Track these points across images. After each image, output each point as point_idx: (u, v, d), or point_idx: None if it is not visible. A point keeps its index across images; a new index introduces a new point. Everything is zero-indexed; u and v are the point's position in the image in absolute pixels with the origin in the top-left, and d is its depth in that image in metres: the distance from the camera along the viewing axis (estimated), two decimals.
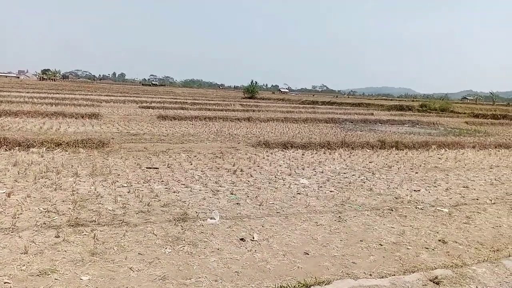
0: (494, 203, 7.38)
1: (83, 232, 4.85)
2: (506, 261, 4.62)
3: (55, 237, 4.65)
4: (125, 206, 5.88)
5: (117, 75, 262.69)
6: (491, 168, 11.18)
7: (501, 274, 4.28)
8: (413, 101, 71.86)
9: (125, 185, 7.10)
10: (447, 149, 14.46)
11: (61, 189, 6.60)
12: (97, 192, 6.55)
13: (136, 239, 4.73)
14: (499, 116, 36.94)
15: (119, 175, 7.83)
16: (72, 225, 5.02)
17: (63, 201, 5.96)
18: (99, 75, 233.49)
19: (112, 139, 12.15)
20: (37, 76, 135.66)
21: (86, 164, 8.66)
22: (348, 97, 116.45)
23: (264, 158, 10.78)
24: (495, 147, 15.63)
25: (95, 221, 5.22)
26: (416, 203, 7.11)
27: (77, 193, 6.44)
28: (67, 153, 9.86)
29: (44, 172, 7.70)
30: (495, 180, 9.51)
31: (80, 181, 7.22)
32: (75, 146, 10.55)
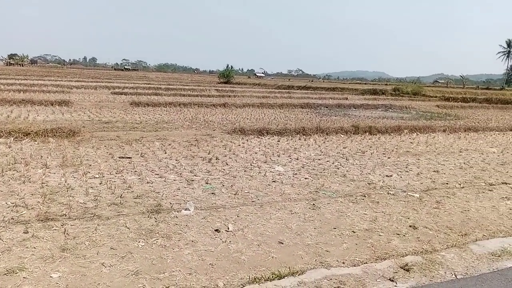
0: (463, 187, 7.60)
1: (53, 227, 4.73)
2: (473, 245, 4.78)
3: (24, 233, 4.51)
4: (96, 199, 5.75)
5: (88, 60, 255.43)
6: (460, 151, 11.51)
7: (468, 259, 4.43)
8: (386, 85, 73.08)
9: (97, 176, 6.94)
10: (418, 133, 14.79)
11: (30, 182, 6.40)
12: (68, 184, 6.38)
13: (108, 233, 4.64)
14: (468, 99, 37.99)
15: (90, 165, 7.65)
16: (42, 220, 4.88)
17: (32, 195, 5.79)
18: (69, 59, 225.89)
19: (83, 127, 11.86)
20: (4, 61, 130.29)
21: (56, 155, 8.42)
22: (323, 81, 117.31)
23: (239, 145, 10.75)
24: (465, 131, 16.10)
25: (65, 215, 5.09)
26: (388, 188, 7.25)
27: (46, 185, 6.25)
28: (36, 143, 9.56)
29: (12, 164, 7.45)
30: (464, 163, 9.79)
31: (49, 172, 7.02)
32: (45, 136, 10.23)
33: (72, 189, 6.16)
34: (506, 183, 8.05)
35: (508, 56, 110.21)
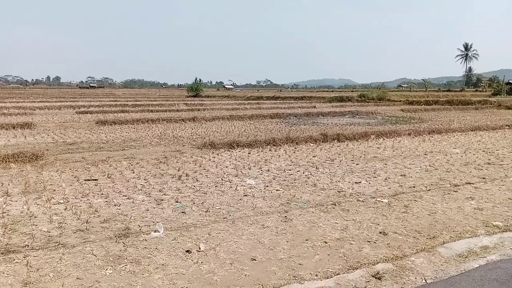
0: (429, 190, 7.79)
1: (14, 259, 4.50)
2: (441, 248, 4.88)
3: None
4: (61, 226, 5.54)
5: (51, 79, 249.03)
6: (425, 154, 11.83)
7: (437, 262, 4.51)
8: (352, 91, 74.78)
9: (62, 201, 6.70)
10: (385, 138, 15.13)
11: None
12: (30, 212, 6.13)
13: (74, 262, 4.46)
14: (431, 102, 39.27)
15: (54, 190, 7.38)
16: (2, 253, 4.64)
17: None
18: (32, 79, 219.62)
19: (46, 150, 11.46)
20: None
21: (18, 181, 8.09)
22: (292, 91, 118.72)
23: (210, 160, 10.66)
24: (429, 133, 16.59)
25: (28, 245, 4.87)
26: (358, 195, 7.33)
27: (7, 215, 5.98)
28: None
29: None
30: (430, 166, 10.06)
31: (11, 201, 6.72)
32: (6, 161, 9.84)
33: (35, 217, 5.91)
34: (470, 183, 8.30)
35: (466, 59, 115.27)
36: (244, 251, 4.84)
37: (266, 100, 50.44)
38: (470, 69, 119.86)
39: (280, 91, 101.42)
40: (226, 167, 9.77)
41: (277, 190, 7.67)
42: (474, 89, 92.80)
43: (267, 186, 7.91)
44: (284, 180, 8.43)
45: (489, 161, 10.66)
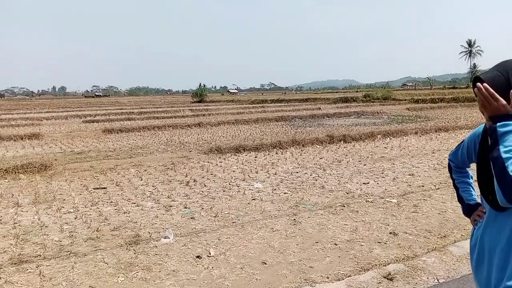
0: (438, 188, 7.74)
1: (27, 269, 4.54)
2: (452, 247, 4.85)
3: None
4: (72, 235, 5.58)
5: (57, 89, 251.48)
6: (433, 152, 11.76)
7: (449, 262, 4.48)
8: (357, 91, 74.75)
9: (72, 210, 6.75)
10: (391, 137, 15.06)
11: (1, 223, 6.16)
12: (41, 222, 6.18)
13: (86, 270, 4.49)
14: (436, 100, 39.02)
15: (64, 200, 7.44)
16: (15, 263, 4.69)
17: (4, 237, 5.57)
18: (38, 90, 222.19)
19: (55, 160, 11.57)
20: None
21: (28, 192, 8.16)
22: (296, 93, 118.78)
23: (217, 165, 10.69)
24: (436, 131, 16.48)
25: (40, 255, 4.91)
26: (366, 196, 7.31)
27: (19, 225, 6.03)
28: (6, 181, 9.25)
29: None
30: (438, 164, 10.00)
31: (22, 211, 6.78)
32: (15, 172, 9.93)
33: (46, 227, 5.96)
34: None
35: (470, 55, 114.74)
36: (254, 255, 4.84)
37: (271, 103, 50.47)
38: (474, 66, 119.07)
39: (285, 93, 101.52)
40: (233, 171, 9.79)
41: (285, 193, 7.66)
42: None
43: (275, 190, 7.92)
44: (292, 183, 8.42)
45: None
